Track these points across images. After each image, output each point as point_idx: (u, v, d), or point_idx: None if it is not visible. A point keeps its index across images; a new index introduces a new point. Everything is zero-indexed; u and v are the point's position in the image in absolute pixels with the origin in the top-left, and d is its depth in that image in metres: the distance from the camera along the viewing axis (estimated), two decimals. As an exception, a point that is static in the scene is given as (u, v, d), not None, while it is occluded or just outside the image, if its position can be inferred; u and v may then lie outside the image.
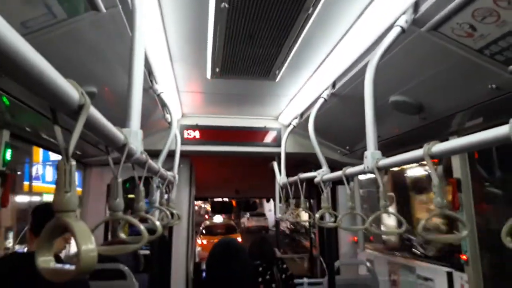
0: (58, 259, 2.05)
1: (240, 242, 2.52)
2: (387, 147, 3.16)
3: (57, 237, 0.72)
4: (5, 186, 2.32)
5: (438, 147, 1.26)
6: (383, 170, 1.68)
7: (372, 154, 1.70)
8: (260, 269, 3.37)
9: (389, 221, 4.21)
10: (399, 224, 1.67)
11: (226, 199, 10.48)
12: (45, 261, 0.68)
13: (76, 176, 0.72)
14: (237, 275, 2.10)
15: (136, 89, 1.40)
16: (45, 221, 0.71)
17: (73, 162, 0.71)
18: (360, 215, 2.04)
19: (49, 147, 2.99)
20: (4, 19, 0.51)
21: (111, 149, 1.13)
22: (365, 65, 1.91)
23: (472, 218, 2.59)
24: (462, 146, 1.18)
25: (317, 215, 2.38)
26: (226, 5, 1.80)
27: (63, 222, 0.67)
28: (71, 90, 0.68)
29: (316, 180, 2.67)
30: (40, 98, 0.65)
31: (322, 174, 2.63)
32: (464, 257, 2.58)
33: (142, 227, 1.07)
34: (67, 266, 0.67)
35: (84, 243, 0.64)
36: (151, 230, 1.44)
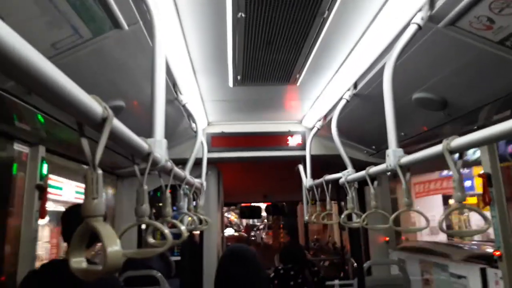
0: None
1: (249, 248, 2.49)
2: (414, 144, 3.13)
3: (86, 240, 0.78)
4: (42, 199, 2.46)
5: (457, 141, 1.25)
6: (406, 167, 1.68)
7: (394, 152, 1.70)
8: (292, 272, 3.38)
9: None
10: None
11: (254, 204, 10.52)
12: (77, 262, 0.74)
13: (102, 184, 0.78)
14: (244, 281, 2.07)
15: (159, 99, 1.46)
16: (73, 226, 0.77)
17: (100, 171, 0.77)
18: (384, 213, 2.02)
19: (80, 160, 3.12)
20: (36, 41, 0.58)
21: (138, 159, 1.20)
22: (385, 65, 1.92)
23: (505, 213, 2.52)
24: (481, 139, 1.17)
25: (342, 216, 2.38)
26: (243, 15, 1.85)
27: (91, 226, 0.73)
28: (94, 105, 0.74)
29: (341, 181, 2.67)
30: (67, 114, 0.72)
31: (347, 174, 2.63)
32: (497, 252, 2.51)
33: (166, 231, 1.12)
34: (96, 266, 0.73)
35: (109, 245, 0.69)
36: (178, 235, 1.50)
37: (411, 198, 1.64)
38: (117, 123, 0.86)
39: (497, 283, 2.60)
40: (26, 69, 0.56)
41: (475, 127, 2.50)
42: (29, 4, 1.28)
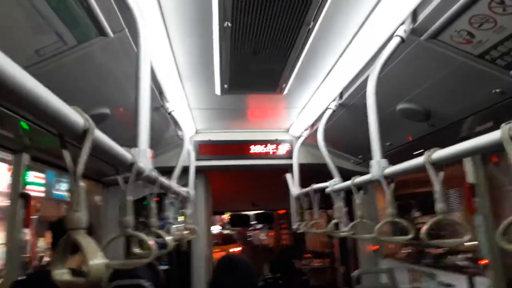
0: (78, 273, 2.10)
1: (242, 257, 2.48)
2: (400, 154, 3.16)
3: (69, 252, 0.78)
4: (26, 208, 2.42)
5: (439, 153, 1.28)
6: (390, 178, 1.70)
7: (378, 163, 1.72)
8: (281, 281, 3.38)
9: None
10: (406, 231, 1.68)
11: (243, 213, 10.47)
12: (60, 273, 0.74)
13: (84, 197, 0.78)
14: None
15: (143, 108, 1.46)
16: (61, 236, 0.77)
17: (81, 184, 0.77)
18: (369, 223, 2.04)
19: (66, 168, 3.09)
20: (19, 47, 0.58)
21: (121, 169, 1.19)
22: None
23: (490, 222, 2.56)
24: (463, 151, 1.20)
25: (330, 225, 2.39)
26: (229, 24, 1.86)
27: (73, 239, 0.73)
28: (75, 116, 0.74)
29: (327, 190, 2.68)
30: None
31: (333, 184, 2.65)
32: (483, 262, 2.54)
33: (149, 241, 1.11)
34: (79, 279, 0.73)
35: (91, 258, 0.70)
36: (165, 245, 1.49)
37: (395, 208, 1.66)
38: (99, 134, 0.86)
39: (484, 292, 2.62)
40: (3, 80, 0.55)
41: (458, 139, 2.53)
42: (12, 10, 1.27)
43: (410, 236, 1.67)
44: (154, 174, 1.49)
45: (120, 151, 1.04)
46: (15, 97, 0.59)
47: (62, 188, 3.34)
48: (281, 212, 11.13)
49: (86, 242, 0.73)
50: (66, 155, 0.76)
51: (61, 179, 3.32)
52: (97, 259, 0.71)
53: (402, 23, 1.75)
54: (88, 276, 0.70)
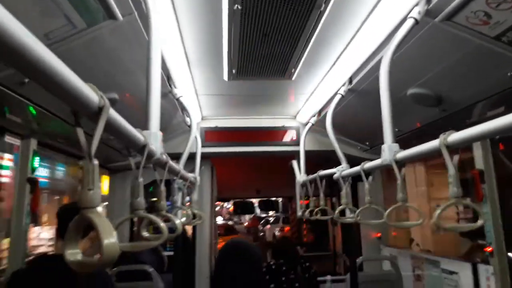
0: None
1: (252, 243, 2.44)
2: (409, 140, 3.13)
3: (81, 232, 0.77)
4: (34, 192, 2.43)
5: (454, 136, 1.25)
6: (402, 162, 1.67)
7: (389, 147, 1.70)
8: (284, 268, 3.38)
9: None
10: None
11: (247, 200, 10.49)
12: (72, 253, 0.72)
13: (98, 175, 0.77)
14: (246, 275, 2.00)
15: (154, 91, 1.44)
16: (69, 223, 0.76)
17: (96, 162, 0.76)
18: (378, 208, 2.03)
19: (74, 154, 3.09)
20: (29, 31, 0.56)
21: (133, 152, 1.18)
22: (381, 59, 1.91)
23: (496, 209, 2.55)
24: (478, 134, 1.17)
25: (336, 211, 2.38)
26: (239, 7, 1.83)
27: (87, 218, 0.72)
28: (90, 93, 0.72)
29: (335, 176, 2.67)
30: (63, 103, 0.70)
31: (341, 170, 2.63)
32: (489, 249, 2.54)
33: (162, 224, 1.10)
34: (91, 258, 0.72)
35: (106, 237, 0.68)
36: (173, 229, 1.48)
37: (406, 193, 1.64)
38: (113, 113, 0.84)
39: (488, 279, 2.62)
40: (23, 54, 0.54)
41: (469, 124, 2.50)
42: (21, -8, 1.25)
43: (420, 222, 1.66)
44: (165, 157, 1.47)
45: (133, 132, 1.03)
46: (35, 71, 0.58)
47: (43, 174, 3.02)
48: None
49: (100, 220, 0.71)
50: (80, 132, 0.74)
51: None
52: (112, 238, 0.69)
53: (416, 4, 1.71)
54: (102, 256, 0.68)
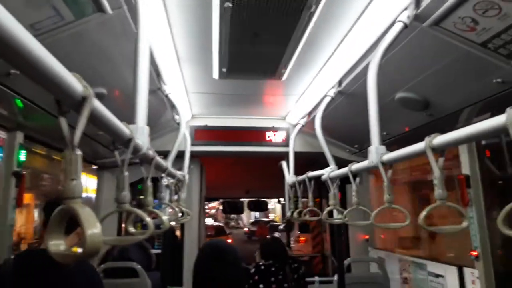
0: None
1: (230, 243, 2.43)
2: (396, 144, 3.16)
3: (64, 223, 0.76)
4: (19, 187, 2.40)
5: (439, 139, 1.27)
6: (388, 164, 1.69)
7: (376, 149, 1.71)
8: (273, 269, 3.38)
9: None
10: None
11: (237, 200, 10.46)
12: (55, 244, 0.71)
13: (81, 166, 0.76)
14: (224, 278, 1.96)
15: (141, 85, 1.43)
16: None
17: (79, 152, 0.75)
18: (366, 210, 2.04)
19: (60, 148, 3.06)
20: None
21: (119, 146, 1.17)
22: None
23: (482, 214, 2.58)
24: (462, 137, 1.19)
25: (324, 212, 2.39)
26: (230, 4, 1.83)
27: (70, 208, 0.71)
28: (74, 82, 0.72)
29: (323, 177, 2.68)
30: (46, 92, 0.69)
31: (330, 171, 2.64)
32: (474, 253, 2.57)
33: (148, 218, 1.10)
34: (75, 250, 0.71)
35: (89, 228, 0.67)
36: (159, 226, 1.48)
37: (392, 195, 1.66)
38: (98, 104, 0.84)
39: (473, 283, 2.65)
40: (6, 39, 0.53)
41: (457, 128, 2.53)
42: (9, -18, 1.23)
43: (406, 223, 1.68)
44: (151, 152, 1.47)
45: (118, 125, 1.02)
46: (14, 55, 0.57)
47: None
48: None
49: (84, 211, 0.70)
50: (63, 122, 0.74)
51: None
52: (95, 229, 0.69)
53: (405, 9, 1.73)
54: (85, 247, 0.67)
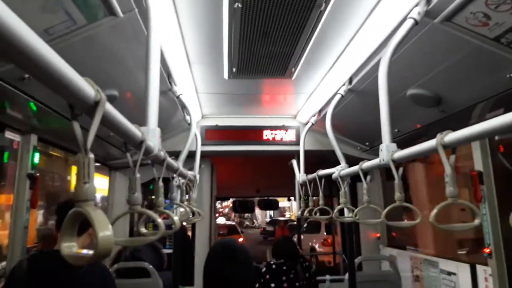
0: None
1: (241, 242, 2.42)
2: (408, 141, 3.14)
3: (77, 225, 0.77)
4: (34, 189, 2.43)
5: (451, 136, 1.26)
6: (399, 162, 1.68)
7: (387, 147, 1.70)
8: (284, 268, 3.38)
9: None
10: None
11: (247, 199, 10.46)
12: (68, 246, 0.73)
13: (93, 169, 0.77)
14: (235, 277, 1.94)
15: (152, 88, 1.45)
16: None
17: (91, 155, 0.76)
18: (376, 208, 2.03)
19: (72, 150, 3.10)
20: (29, 26, 0.57)
21: (131, 148, 1.18)
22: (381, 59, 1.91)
23: (495, 210, 2.55)
24: (475, 134, 1.17)
25: (335, 211, 2.38)
26: (239, 5, 1.83)
27: (82, 211, 0.72)
28: (87, 87, 0.73)
29: (334, 175, 2.67)
30: (59, 96, 0.70)
31: (340, 169, 2.63)
32: (487, 250, 2.54)
33: (159, 219, 1.11)
34: (87, 251, 0.72)
35: (101, 230, 0.68)
36: (170, 226, 1.49)
37: (403, 193, 1.64)
38: (110, 108, 0.85)
39: (486, 280, 2.62)
40: (19, 46, 0.54)
41: (468, 125, 2.50)
42: (22, -12, 1.26)
43: (417, 221, 1.66)
44: (163, 154, 1.48)
45: (130, 127, 1.03)
46: (31, 64, 0.58)
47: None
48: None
49: (96, 214, 0.71)
50: (76, 126, 0.75)
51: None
52: (107, 231, 0.69)
53: (416, 5, 1.71)
54: (97, 249, 0.68)
